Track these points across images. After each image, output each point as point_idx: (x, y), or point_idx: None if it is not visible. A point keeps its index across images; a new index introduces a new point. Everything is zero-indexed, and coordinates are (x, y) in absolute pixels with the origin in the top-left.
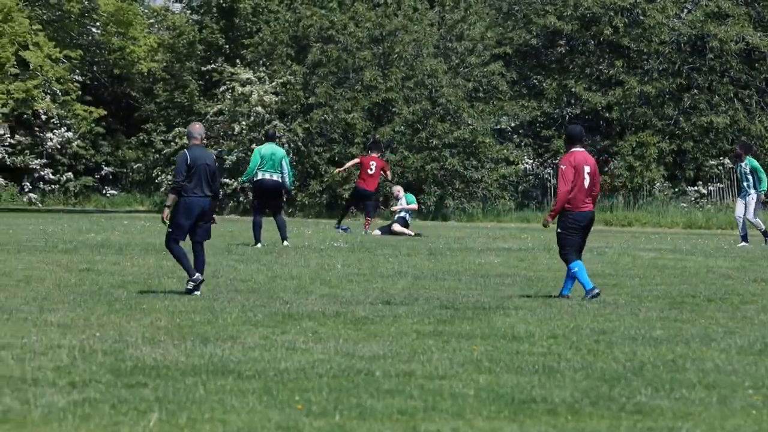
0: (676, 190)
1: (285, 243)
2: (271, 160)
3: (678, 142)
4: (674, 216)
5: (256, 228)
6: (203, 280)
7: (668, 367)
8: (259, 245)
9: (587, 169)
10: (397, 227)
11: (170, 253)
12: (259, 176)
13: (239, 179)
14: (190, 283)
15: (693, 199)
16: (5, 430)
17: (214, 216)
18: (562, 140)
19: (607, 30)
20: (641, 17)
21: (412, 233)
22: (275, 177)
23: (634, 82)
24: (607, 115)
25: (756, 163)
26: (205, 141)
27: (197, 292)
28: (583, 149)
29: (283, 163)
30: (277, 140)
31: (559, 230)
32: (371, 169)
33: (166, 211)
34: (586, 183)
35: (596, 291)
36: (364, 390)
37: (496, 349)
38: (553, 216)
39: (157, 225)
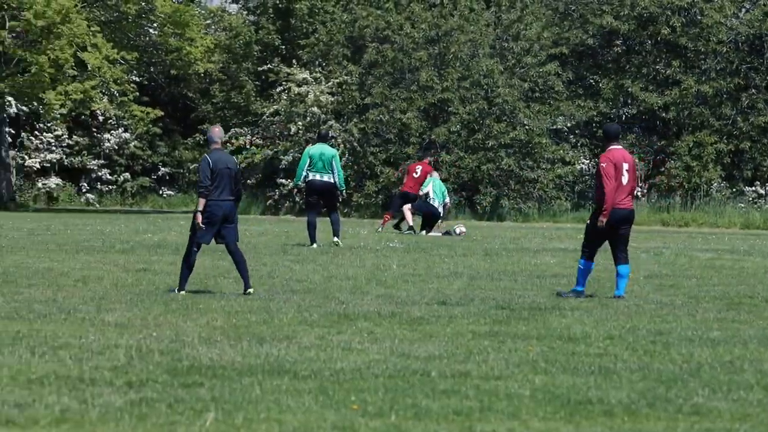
0: (734, 190)
1: (335, 239)
2: (320, 161)
3: (735, 142)
4: (732, 216)
5: (310, 228)
6: (180, 293)
7: (726, 368)
8: (314, 245)
9: (626, 166)
10: (407, 214)
11: (185, 258)
12: (309, 177)
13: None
14: (178, 291)
15: (751, 199)
16: (64, 429)
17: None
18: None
19: (665, 29)
20: (699, 16)
21: (440, 233)
22: (325, 177)
23: (691, 82)
24: (664, 115)
25: None
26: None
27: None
28: (620, 147)
29: (333, 163)
30: (332, 141)
31: (588, 223)
32: (416, 173)
33: (200, 216)
34: (625, 180)
35: (580, 294)
36: (419, 390)
37: (552, 349)
38: (606, 215)
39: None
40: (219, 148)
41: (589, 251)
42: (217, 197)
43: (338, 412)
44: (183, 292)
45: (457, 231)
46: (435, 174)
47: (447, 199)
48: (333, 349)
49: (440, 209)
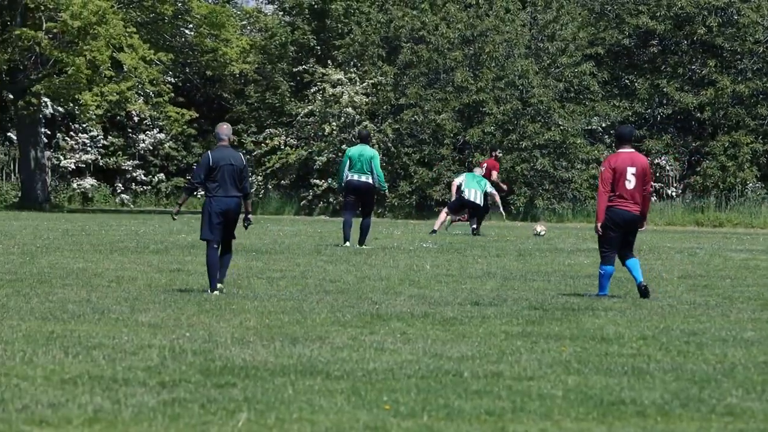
0: None
1: (360, 247)
2: (359, 162)
3: None
4: (767, 217)
5: (346, 227)
6: (222, 291)
7: (759, 368)
8: (347, 244)
9: (632, 170)
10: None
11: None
12: (348, 177)
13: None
14: (211, 292)
15: None
16: (97, 429)
17: (250, 216)
18: (653, 140)
19: (701, 29)
20: (735, 16)
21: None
22: (363, 178)
23: (726, 82)
24: (699, 115)
25: None
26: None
27: (216, 292)
28: (631, 150)
29: (372, 163)
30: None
31: (599, 226)
32: (481, 169)
33: (176, 208)
34: (629, 184)
35: (603, 295)
36: (452, 391)
37: (584, 350)
38: (599, 220)
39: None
40: (225, 145)
41: (607, 255)
42: (219, 193)
43: (370, 412)
44: (216, 293)
45: (538, 230)
46: (477, 170)
47: (489, 189)
48: (366, 350)
49: (477, 200)
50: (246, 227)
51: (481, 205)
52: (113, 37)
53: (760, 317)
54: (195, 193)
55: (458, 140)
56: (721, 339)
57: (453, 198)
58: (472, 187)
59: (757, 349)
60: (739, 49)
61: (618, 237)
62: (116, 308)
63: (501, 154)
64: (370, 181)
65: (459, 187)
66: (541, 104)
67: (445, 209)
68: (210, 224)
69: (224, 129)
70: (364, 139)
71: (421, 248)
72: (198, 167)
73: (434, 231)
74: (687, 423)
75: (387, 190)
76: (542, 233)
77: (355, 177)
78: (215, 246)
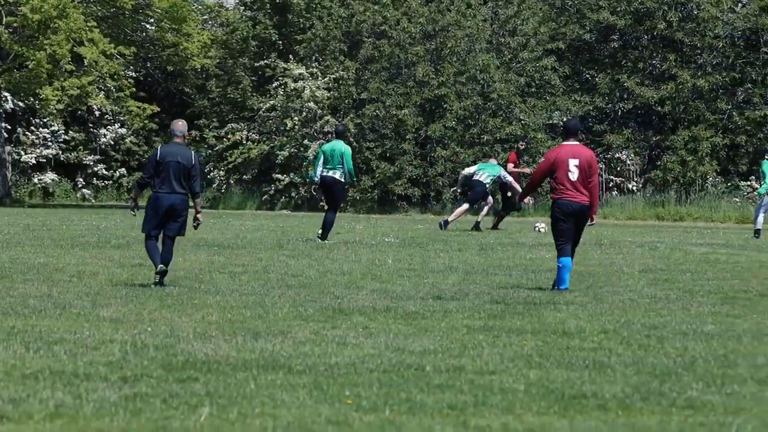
0: (729, 184)
1: (321, 241)
2: (331, 157)
3: (731, 137)
4: (727, 211)
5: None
6: (166, 271)
7: (719, 362)
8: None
9: (574, 162)
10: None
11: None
12: (323, 173)
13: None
14: (156, 276)
15: (746, 193)
16: (58, 425)
17: (199, 216)
18: (614, 135)
19: (661, 24)
20: (695, 11)
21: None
22: (331, 173)
23: (687, 77)
24: (660, 109)
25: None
26: (187, 138)
27: (161, 286)
28: (576, 143)
29: (344, 158)
30: (330, 136)
31: (551, 221)
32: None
33: (132, 203)
34: (573, 176)
35: (565, 289)
36: (414, 385)
37: (546, 344)
38: (521, 198)
39: (208, 220)
40: (178, 141)
41: (562, 247)
42: (162, 189)
43: (332, 406)
44: (162, 266)
45: (538, 226)
46: (492, 159)
47: (507, 178)
48: (328, 344)
49: (482, 179)
50: (195, 227)
51: (486, 184)
52: (74, 31)
53: (720, 311)
54: (148, 187)
55: (420, 135)
56: (681, 332)
57: (457, 188)
58: (485, 170)
59: (717, 343)
60: (699, 44)
61: (570, 228)
62: (77, 303)
63: (523, 147)
64: (337, 176)
65: (470, 176)
66: (502, 99)
67: (465, 205)
68: (150, 218)
69: (179, 126)
70: (340, 134)
71: (383, 243)
72: (148, 162)
73: (446, 222)
74: (648, 416)
75: (352, 183)
76: (542, 230)
77: (326, 173)
78: (153, 239)
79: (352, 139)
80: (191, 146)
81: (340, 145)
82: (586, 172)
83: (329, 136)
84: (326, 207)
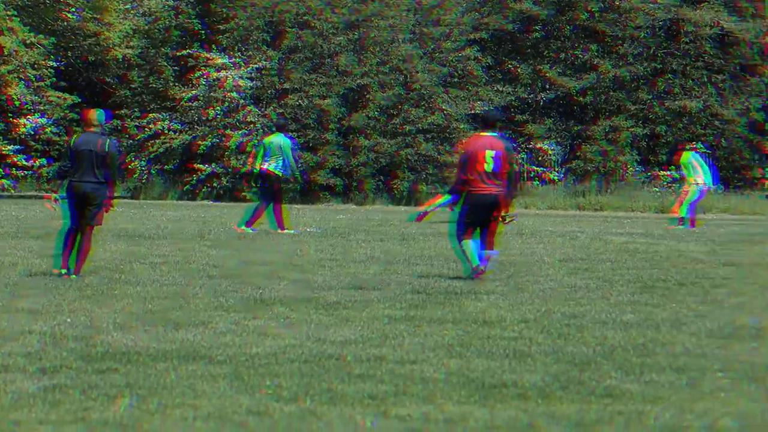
0: (649, 174)
1: (243, 228)
2: (270, 150)
3: (651, 126)
4: (646, 200)
5: (268, 215)
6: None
7: (638, 350)
8: (291, 231)
9: (490, 153)
10: None
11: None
12: (262, 166)
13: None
14: (56, 270)
15: (665, 183)
16: None
17: (112, 202)
18: (536, 125)
19: (583, 15)
20: (617, 2)
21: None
22: (265, 165)
23: (608, 67)
24: (581, 99)
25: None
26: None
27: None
28: (492, 134)
29: (282, 152)
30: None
31: (462, 208)
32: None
33: (51, 195)
34: (487, 167)
35: (477, 270)
36: (334, 375)
37: (467, 333)
38: (450, 192)
39: (129, 210)
40: (92, 130)
41: (460, 234)
42: (75, 177)
43: (253, 397)
44: (57, 272)
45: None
46: None
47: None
48: (248, 335)
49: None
50: (106, 211)
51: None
52: None
53: (639, 300)
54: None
55: (342, 125)
56: (600, 321)
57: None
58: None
59: (636, 332)
60: (620, 34)
61: (477, 220)
62: None
63: None
64: (277, 169)
65: None
66: (424, 89)
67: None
68: (68, 208)
69: (92, 114)
70: (280, 128)
71: (305, 233)
72: (66, 152)
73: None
74: (567, 405)
75: (299, 177)
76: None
77: (265, 166)
78: (72, 229)
79: (274, 129)
80: (112, 136)
81: (277, 139)
82: (500, 163)
83: (250, 126)
84: (261, 199)
